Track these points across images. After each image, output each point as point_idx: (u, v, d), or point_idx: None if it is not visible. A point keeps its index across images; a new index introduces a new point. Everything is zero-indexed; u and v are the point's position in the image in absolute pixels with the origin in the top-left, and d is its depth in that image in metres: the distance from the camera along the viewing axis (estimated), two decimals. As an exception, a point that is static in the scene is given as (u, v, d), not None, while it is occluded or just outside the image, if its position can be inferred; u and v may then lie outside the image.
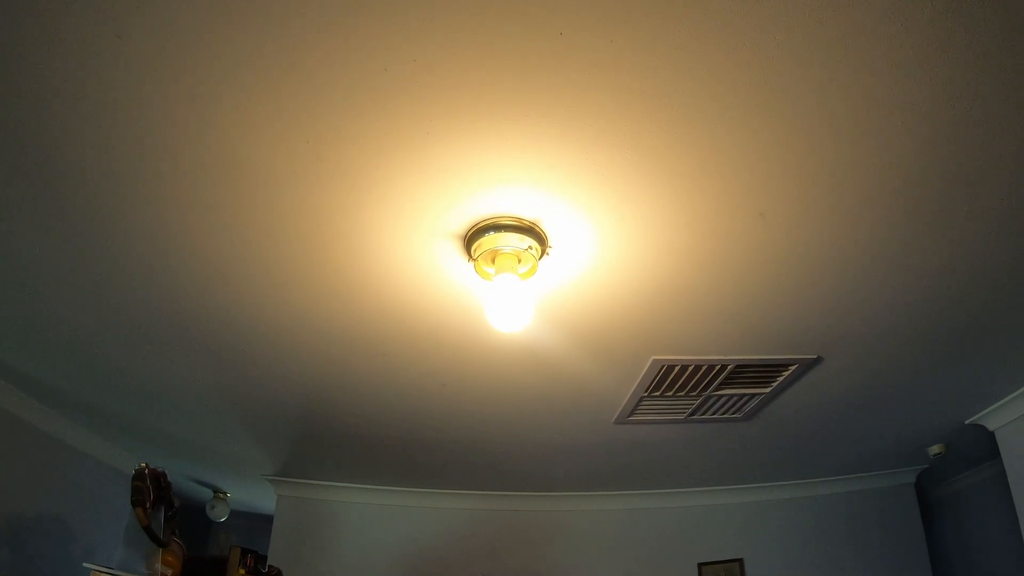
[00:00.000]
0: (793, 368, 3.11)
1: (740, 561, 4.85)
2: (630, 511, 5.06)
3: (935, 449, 4.37)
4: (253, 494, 5.76)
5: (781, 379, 3.23)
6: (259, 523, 6.15)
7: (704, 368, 3.09)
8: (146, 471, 3.12)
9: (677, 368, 3.08)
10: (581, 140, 1.74)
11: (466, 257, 2.14)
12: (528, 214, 2.01)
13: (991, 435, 3.89)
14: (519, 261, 2.08)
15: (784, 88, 1.60)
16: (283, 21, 1.43)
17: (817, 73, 1.57)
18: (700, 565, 4.84)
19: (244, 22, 1.44)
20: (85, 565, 3.28)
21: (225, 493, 5.88)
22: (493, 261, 2.09)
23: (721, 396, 3.41)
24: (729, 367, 3.07)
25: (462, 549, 4.93)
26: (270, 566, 3.97)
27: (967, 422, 3.94)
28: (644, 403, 3.45)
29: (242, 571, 3.64)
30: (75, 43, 1.48)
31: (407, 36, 1.47)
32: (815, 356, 3.01)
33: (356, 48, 1.50)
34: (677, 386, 3.26)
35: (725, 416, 3.67)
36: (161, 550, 3.12)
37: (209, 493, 5.87)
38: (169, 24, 1.44)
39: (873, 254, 2.26)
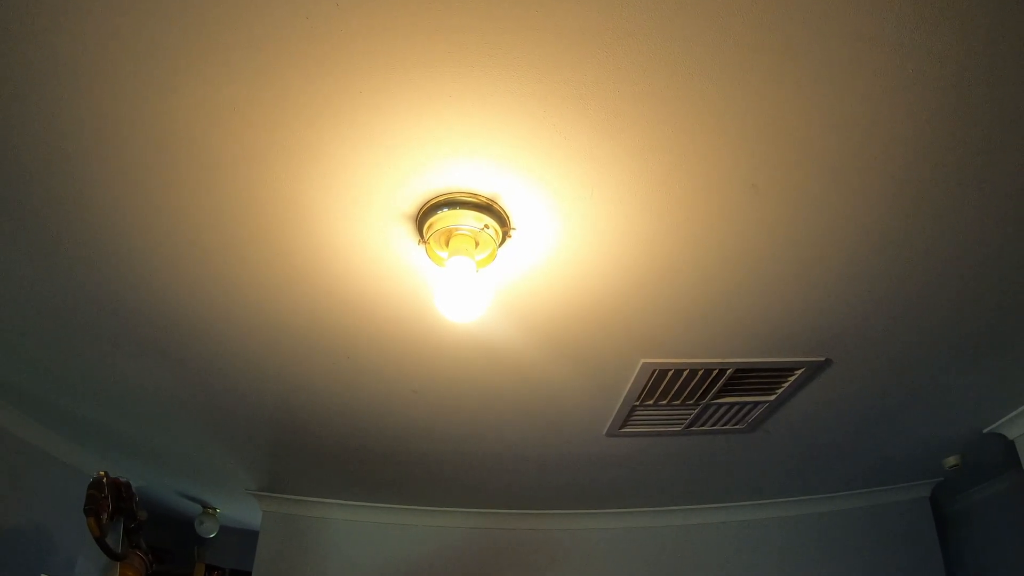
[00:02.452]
0: (799, 372, 2.86)
1: (746, 583, 4.57)
2: (628, 529, 4.79)
3: (951, 461, 4.09)
4: (243, 510, 5.57)
5: (787, 385, 2.97)
6: (251, 539, 5.95)
7: (701, 373, 2.84)
8: (104, 480, 2.95)
9: (671, 373, 2.83)
10: (541, 96, 1.52)
11: (418, 239, 1.92)
12: (485, 189, 1.78)
13: (1009, 444, 3.63)
14: (476, 245, 1.86)
15: (782, 31, 1.38)
16: None
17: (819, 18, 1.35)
18: (704, 588, 4.57)
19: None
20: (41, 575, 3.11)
21: (214, 508, 5.70)
22: (447, 244, 1.87)
23: (721, 404, 3.15)
24: (728, 371, 2.82)
25: (454, 569, 4.68)
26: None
27: (986, 431, 3.65)
28: (637, 413, 3.20)
29: (208, 588, 3.45)
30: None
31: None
32: (823, 359, 2.75)
33: None
34: (672, 393, 3.01)
35: (727, 427, 3.41)
36: (119, 564, 2.94)
37: (198, 508, 5.69)
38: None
39: (884, 239, 2.01)
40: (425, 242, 1.87)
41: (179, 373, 2.93)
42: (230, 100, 1.55)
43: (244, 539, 6.18)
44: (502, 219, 1.85)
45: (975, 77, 1.48)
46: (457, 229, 1.82)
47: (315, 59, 1.45)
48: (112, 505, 2.96)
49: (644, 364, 2.74)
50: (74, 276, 2.26)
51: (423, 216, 1.84)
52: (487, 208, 1.80)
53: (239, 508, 5.55)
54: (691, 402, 3.09)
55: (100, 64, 1.47)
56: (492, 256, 1.90)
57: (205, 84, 1.51)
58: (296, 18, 1.36)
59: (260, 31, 1.39)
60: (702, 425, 3.36)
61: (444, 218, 1.81)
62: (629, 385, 2.91)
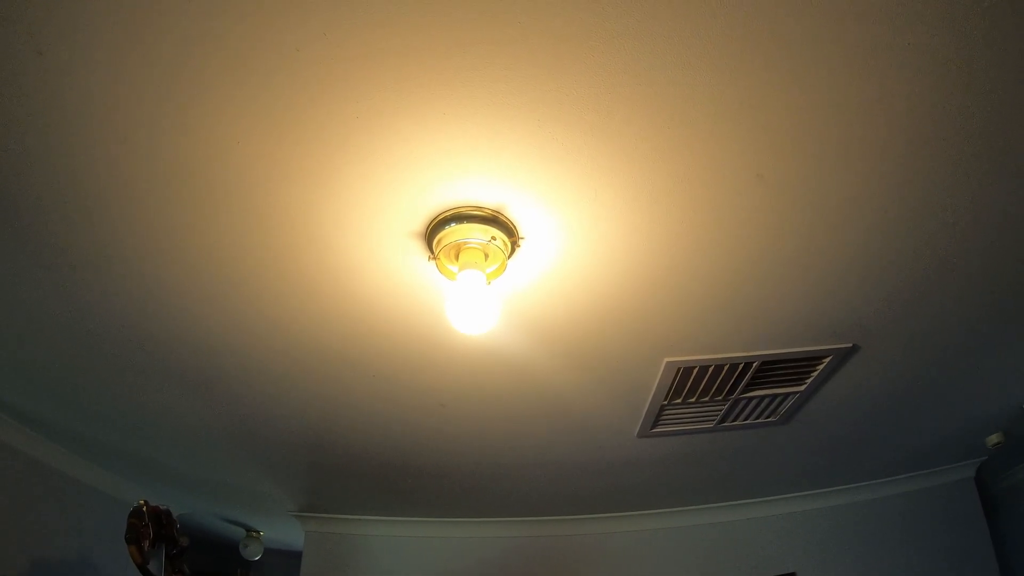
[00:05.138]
0: (827, 360, 2.81)
1: (793, 575, 4.49)
2: (670, 530, 4.74)
3: (993, 439, 3.97)
4: (286, 531, 5.63)
5: (816, 374, 2.92)
6: (295, 560, 6.01)
7: (726, 368, 2.81)
8: (144, 508, 3.03)
9: (696, 370, 2.80)
10: (534, 105, 1.52)
11: (428, 255, 1.94)
12: (489, 201, 1.79)
13: (1054, 417, 3.51)
14: (486, 257, 1.87)
15: (771, 18, 1.36)
16: (180, 20, 1.31)
17: None
18: (751, 584, 4.49)
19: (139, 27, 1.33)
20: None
21: (258, 532, 5.77)
22: (457, 258, 1.88)
23: (752, 398, 3.11)
24: (755, 365, 2.79)
25: (496, 579, 4.68)
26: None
27: (1025, 405, 3.55)
28: (667, 412, 3.18)
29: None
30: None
31: (312, 7, 1.30)
32: (850, 345, 2.69)
33: (261, 36, 1.36)
34: (700, 390, 2.98)
35: (759, 420, 3.36)
36: (161, 588, 3.02)
37: (242, 532, 5.76)
38: (85, 33, 1.34)
39: (899, 217, 1.96)
40: (435, 258, 1.88)
41: (210, 400, 2.97)
42: (241, 134, 1.60)
43: (289, 560, 6.25)
44: (509, 230, 1.85)
45: (976, 44, 1.45)
46: (466, 243, 1.83)
47: (312, 88, 1.48)
48: (153, 532, 3.05)
49: (668, 363, 2.72)
50: (101, 312, 2.31)
51: (432, 232, 1.85)
52: (493, 220, 1.81)
53: (282, 530, 5.60)
54: (720, 398, 3.06)
55: (111, 110, 1.52)
56: (503, 267, 1.91)
57: (214, 122, 1.56)
58: (287, 50, 1.40)
59: (259, 67, 1.42)
60: (734, 420, 3.32)
61: (452, 232, 1.82)
62: (655, 385, 2.89)
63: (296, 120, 1.55)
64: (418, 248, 1.96)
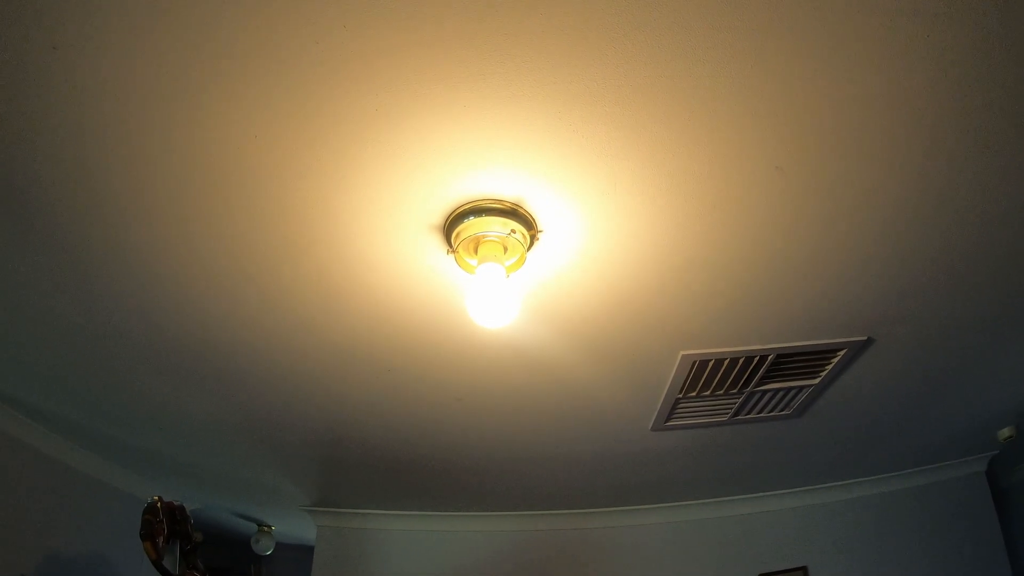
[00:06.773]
0: (842, 354, 2.80)
1: (804, 569, 4.47)
2: (681, 523, 4.74)
3: (1005, 433, 3.95)
4: (298, 526, 5.65)
5: (830, 367, 2.91)
6: (307, 555, 6.04)
7: (742, 361, 2.80)
8: (158, 504, 3.04)
9: (711, 363, 2.80)
10: (553, 97, 1.52)
11: (447, 249, 1.94)
12: (508, 193, 1.79)
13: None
14: (505, 250, 1.86)
15: (791, 10, 1.35)
16: (194, 12, 1.31)
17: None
18: (762, 577, 4.49)
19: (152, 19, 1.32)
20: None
21: (269, 526, 5.79)
22: (476, 251, 1.88)
23: (766, 391, 3.11)
24: (770, 358, 2.78)
25: (509, 572, 4.68)
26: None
27: (1038, 399, 3.54)
28: (681, 405, 3.18)
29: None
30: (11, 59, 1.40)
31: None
32: (865, 338, 2.69)
33: (277, 29, 1.35)
34: (715, 384, 2.98)
35: (773, 414, 3.36)
36: (176, 583, 3.03)
37: (254, 527, 5.78)
38: (99, 27, 1.34)
39: (917, 211, 1.96)
40: (454, 251, 1.88)
41: (223, 396, 2.98)
42: (257, 128, 1.59)
43: (301, 555, 6.26)
44: (528, 222, 1.85)
45: (996, 37, 1.44)
46: (484, 236, 1.83)
47: (330, 81, 1.48)
48: (167, 528, 3.06)
49: (684, 356, 2.71)
50: (115, 309, 2.32)
51: (450, 225, 1.85)
52: (512, 213, 1.81)
53: (294, 524, 5.62)
54: (735, 391, 3.06)
55: (124, 104, 1.52)
56: (522, 260, 1.91)
57: (229, 116, 1.55)
58: (306, 43, 1.39)
59: (276, 60, 1.42)
60: (748, 413, 3.32)
61: (471, 226, 1.82)
62: (670, 378, 2.89)
63: (313, 113, 1.55)
64: (436, 242, 1.96)
